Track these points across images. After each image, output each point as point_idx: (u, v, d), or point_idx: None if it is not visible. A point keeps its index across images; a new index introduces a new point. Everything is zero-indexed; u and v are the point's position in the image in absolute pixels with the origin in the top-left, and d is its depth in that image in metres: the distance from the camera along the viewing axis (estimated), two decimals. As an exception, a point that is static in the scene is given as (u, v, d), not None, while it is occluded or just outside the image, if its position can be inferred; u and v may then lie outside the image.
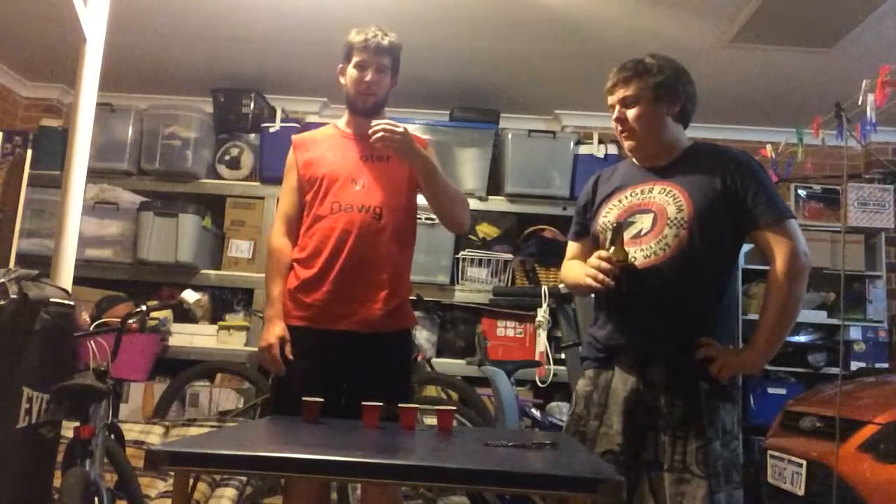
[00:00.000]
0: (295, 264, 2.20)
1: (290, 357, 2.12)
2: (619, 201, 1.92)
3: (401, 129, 2.07)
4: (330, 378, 2.09)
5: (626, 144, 1.93)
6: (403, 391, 2.18)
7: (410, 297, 2.30)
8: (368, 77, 2.18)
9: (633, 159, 2.00)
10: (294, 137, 2.35)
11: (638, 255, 1.82)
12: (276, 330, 2.14)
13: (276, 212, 2.34)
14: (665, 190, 1.86)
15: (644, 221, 1.85)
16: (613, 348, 1.86)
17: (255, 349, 3.89)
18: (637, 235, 1.84)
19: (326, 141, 2.28)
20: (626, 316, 1.85)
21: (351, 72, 2.21)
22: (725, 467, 1.74)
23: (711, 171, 1.83)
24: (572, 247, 2.11)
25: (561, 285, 3.03)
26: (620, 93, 1.89)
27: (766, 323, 1.79)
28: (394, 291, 2.16)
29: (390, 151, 2.15)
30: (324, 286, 2.13)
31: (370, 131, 2.08)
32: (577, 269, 1.94)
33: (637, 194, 1.90)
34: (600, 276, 1.78)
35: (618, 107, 1.90)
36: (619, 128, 1.91)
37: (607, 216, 1.91)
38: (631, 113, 1.87)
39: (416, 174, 2.18)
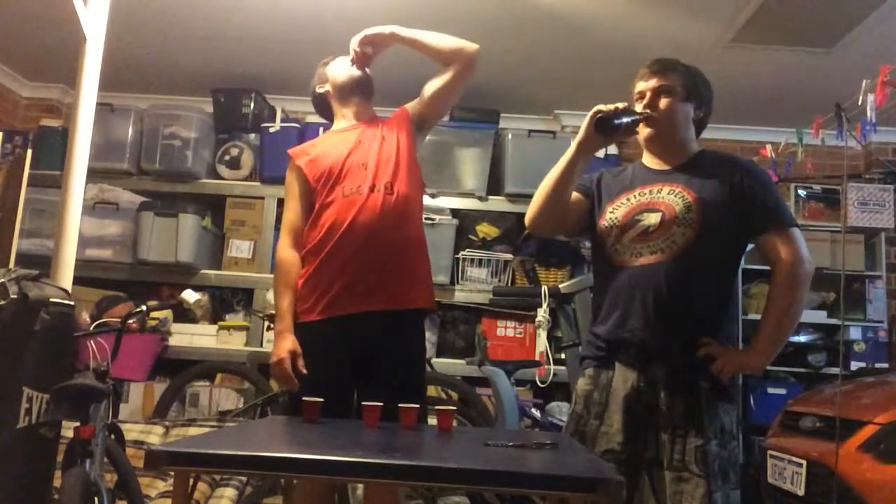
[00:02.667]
0: (306, 256, 2.18)
1: (304, 371, 2.09)
2: (627, 199, 1.93)
3: (361, 35, 2.25)
4: (346, 375, 2.10)
5: (645, 133, 1.93)
6: (418, 383, 2.26)
7: None
8: (355, 53, 2.28)
9: (643, 159, 2.01)
10: (290, 151, 2.34)
11: (644, 251, 1.83)
12: (286, 344, 2.11)
13: (282, 224, 2.30)
14: (674, 191, 1.87)
15: (651, 219, 1.86)
16: (615, 343, 1.86)
17: (255, 349, 3.95)
18: (644, 233, 1.86)
19: (323, 142, 2.33)
20: (629, 311, 1.85)
21: (334, 64, 2.32)
22: (723, 467, 1.75)
23: (720, 175, 1.87)
24: None
25: (560, 284, 3.02)
26: (655, 81, 1.91)
27: (768, 325, 1.81)
28: (414, 268, 2.18)
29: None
30: (339, 264, 2.11)
31: (351, 55, 2.26)
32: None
33: (645, 194, 1.91)
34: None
35: (649, 94, 1.91)
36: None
37: (614, 213, 1.92)
38: (663, 102, 1.90)
39: (411, 46, 2.32)
